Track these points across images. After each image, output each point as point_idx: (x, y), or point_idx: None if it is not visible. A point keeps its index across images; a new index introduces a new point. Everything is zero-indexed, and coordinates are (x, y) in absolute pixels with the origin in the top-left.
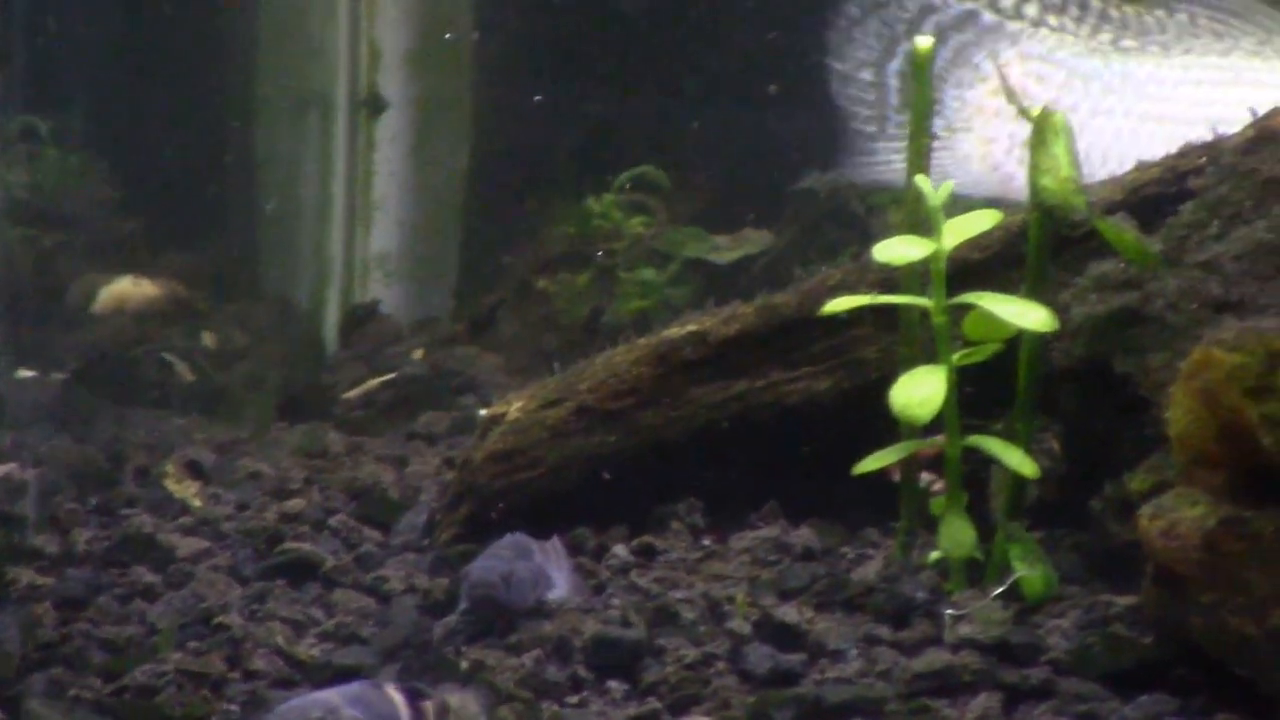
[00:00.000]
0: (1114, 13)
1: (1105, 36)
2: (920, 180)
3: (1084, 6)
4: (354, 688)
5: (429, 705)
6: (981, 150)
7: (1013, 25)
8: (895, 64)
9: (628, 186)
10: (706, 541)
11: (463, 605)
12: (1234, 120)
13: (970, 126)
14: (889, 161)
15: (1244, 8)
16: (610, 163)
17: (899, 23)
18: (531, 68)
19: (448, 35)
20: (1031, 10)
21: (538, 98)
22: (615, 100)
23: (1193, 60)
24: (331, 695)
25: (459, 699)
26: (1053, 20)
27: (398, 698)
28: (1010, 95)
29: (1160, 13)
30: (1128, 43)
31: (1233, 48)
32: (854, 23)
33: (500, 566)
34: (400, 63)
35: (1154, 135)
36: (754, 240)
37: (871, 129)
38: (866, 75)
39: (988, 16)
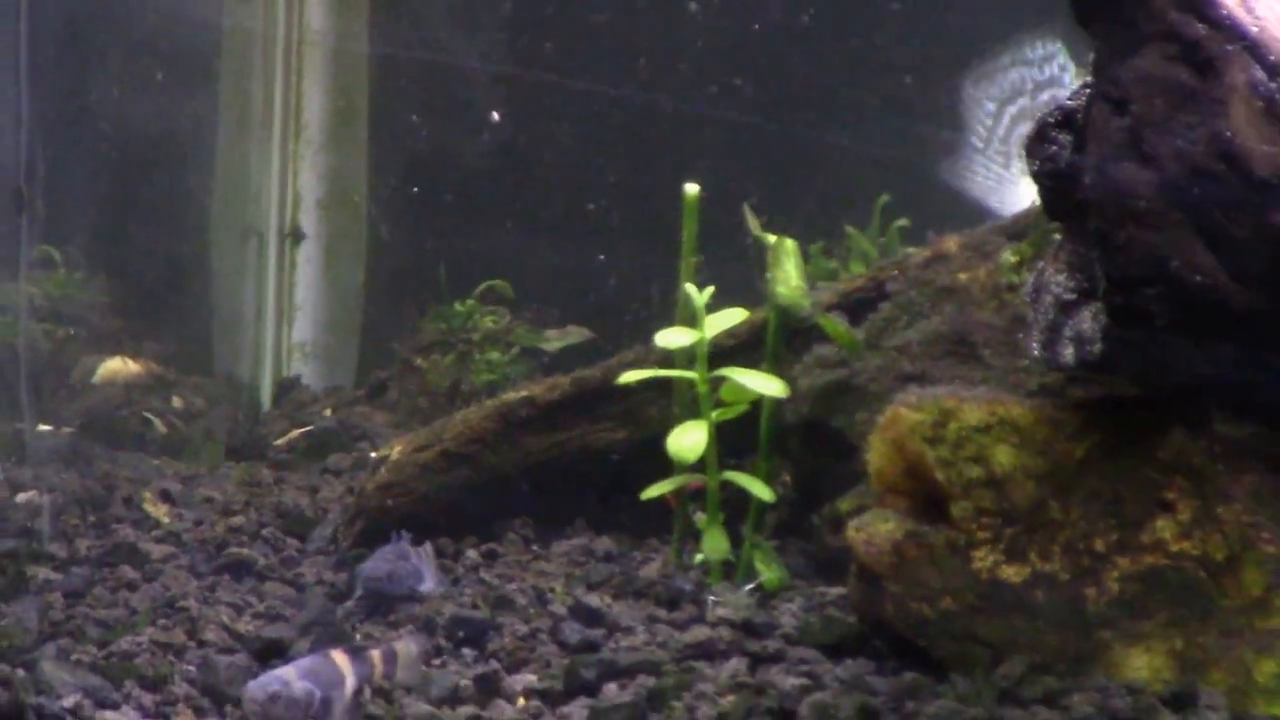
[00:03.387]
0: None
1: None
2: (689, 288)
3: None
4: (305, 661)
5: (375, 654)
6: None
7: None
8: (1013, 108)
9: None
10: (534, 548)
11: (358, 593)
12: None
13: None
14: (977, 174)
15: None
16: (472, 279)
17: (1030, 81)
18: (410, 212)
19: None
20: None
21: (495, 117)
22: (473, 235)
23: None
24: (287, 670)
25: (403, 645)
26: None
27: (343, 660)
28: (753, 226)
29: None
30: None
31: None
32: (1001, 67)
33: (385, 566)
34: (315, 206)
35: None
36: (575, 334)
37: (979, 145)
38: (991, 107)
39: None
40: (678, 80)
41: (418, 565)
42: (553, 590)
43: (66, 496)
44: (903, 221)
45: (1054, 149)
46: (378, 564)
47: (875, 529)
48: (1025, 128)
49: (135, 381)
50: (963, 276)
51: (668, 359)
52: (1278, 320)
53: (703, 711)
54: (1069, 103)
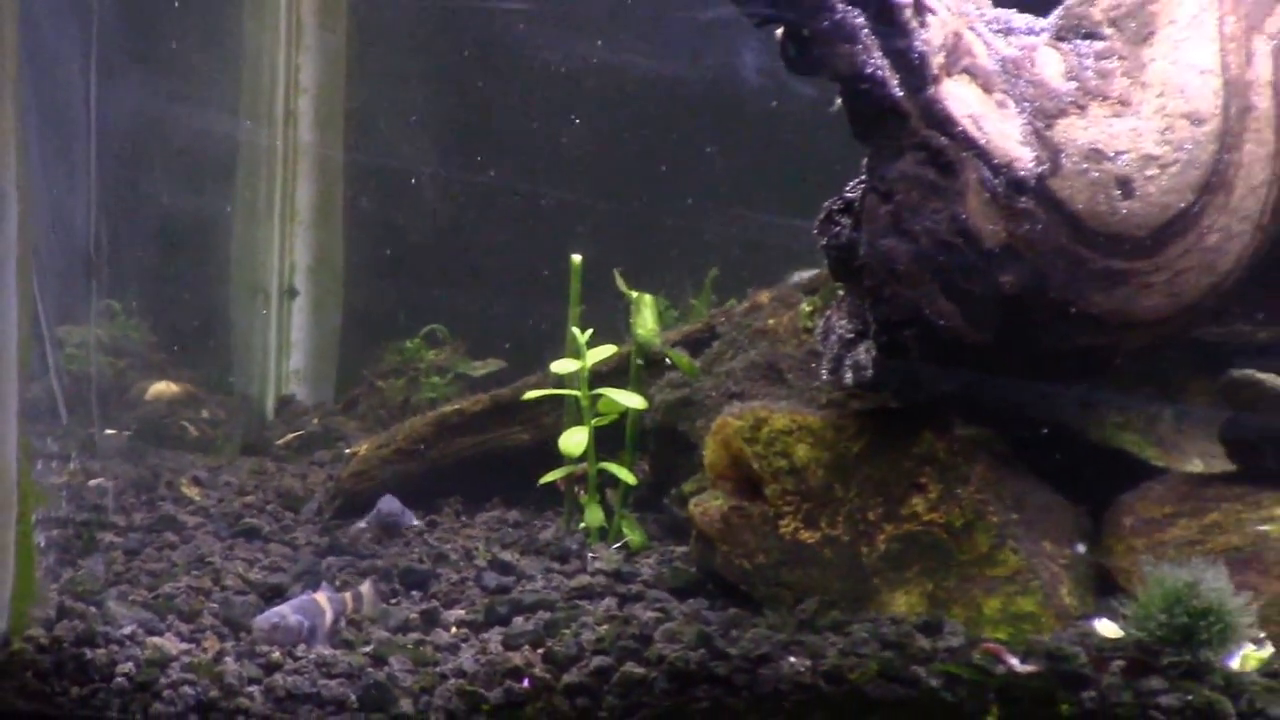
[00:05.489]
0: None
1: None
2: (575, 330)
3: None
4: (297, 600)
5: (347, 596)
6: None
7: None
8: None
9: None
10: (463, 518)
11: (371, 519)
12: None
13: None
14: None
15: None
16: (420, 324)
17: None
18: (375, 275)
19: None
20: None
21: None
22: (421, 292)
23: None
24: (284, 607)
25: (367, 588)
26: None
27: (324, 600)
28: (621, 285)
29: None
30: None
31: None
32: None
33: (394, 505)
34: (305, 271)
35: None
36: (493, 364)
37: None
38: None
39: None
40: (570, 178)
41: (407, 510)
42: (477, 549)
43: (125, 482)
44: (714, 271)
45: (838, 228)
46: (390, 504)
47: (709, 504)
48: None
49: (175, 399)
50: (772, 321)
51: (560, 381)
52: (999, 353)
53: (585, 637)
54: (848, 194)
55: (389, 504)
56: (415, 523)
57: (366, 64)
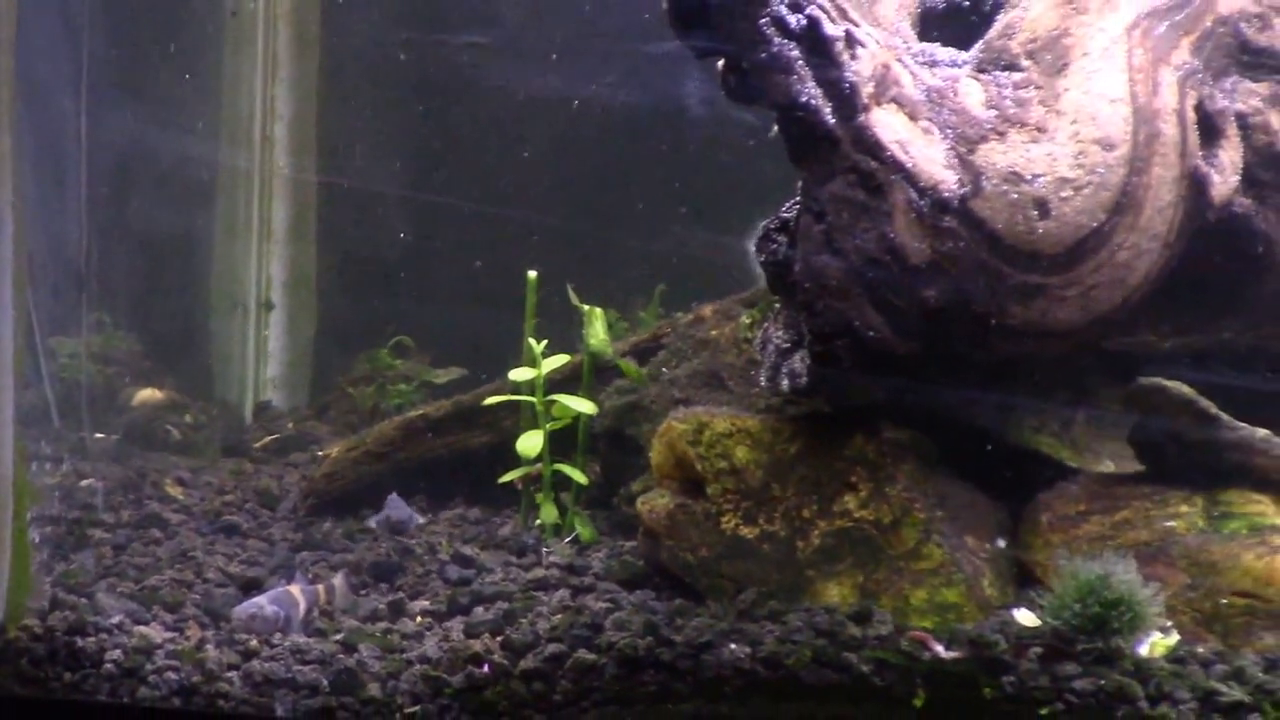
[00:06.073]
0: None
1: None
2: (531, 341)
3: None
4: (273, 592)
5: (320, 588)
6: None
7: None
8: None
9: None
10: (428, 515)
11: (380, 521)
12: None
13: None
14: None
15: None
16: (388, 334)
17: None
18: (345, 289)
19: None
20: None
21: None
22: (388, 305)
23: None
24: (261, 599)
25: (339, 581)
26: None
27: (298, 591)
28: (574, 299)
29: None
30: None
31: None
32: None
33: (404, 508)
34: (280, 286)
35: None
36: (455, 371)
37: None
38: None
39: None
40: (527, 199)
41: (414, 513)
42: (440, 544)
43: (113, 482)
44: (662, 286)
45: (775, 246)
46: (398, 507)
47: (656, 502)
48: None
49: (160, 405)
50: (715, 332)
51: (517, 388)
52: (925, 361)
53: (541, 626)
54: (784, 214)
55: (397, 507)
56: (421, 520)
57: (337, 94)
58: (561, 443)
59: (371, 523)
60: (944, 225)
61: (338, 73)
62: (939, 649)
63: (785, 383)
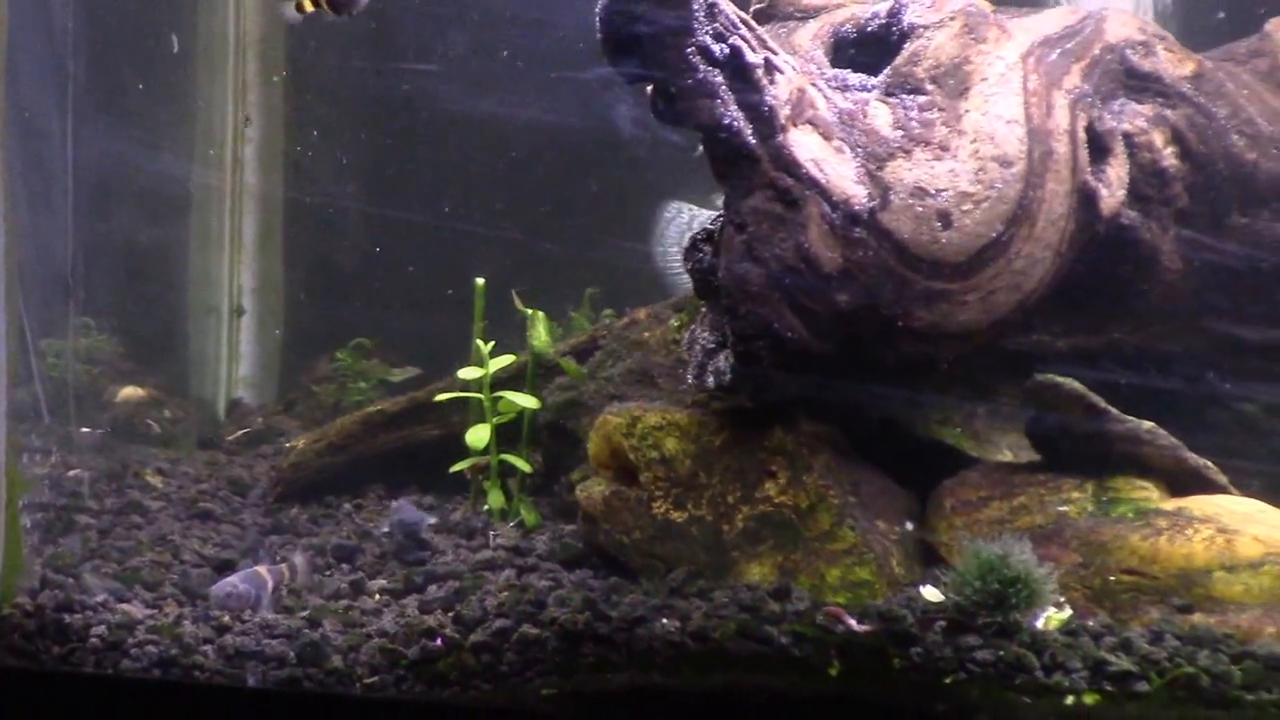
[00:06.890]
0: None
1: None
2: (479, 342)
3: None
4: (243, 572)
5: (284, 567)
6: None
7: None
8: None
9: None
10: (385, 502)
11: (394, 527)
12: None
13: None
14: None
15: None
16: (349, 336)
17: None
18: (309, 295)
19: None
20: None
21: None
22: (349, 309)
23: None
24: (234, 578)
25: (302, 561)
26: None
27: (266, 571)
28: (519, 304)
29: None
30: None
31: None
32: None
33: (415, 513)
34: (250, 293)
35: None
36: (410, 370)
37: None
38: (672, 232)
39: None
40: (475, 212)
41: (425, 517)
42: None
43: (98, 472)
44: (591, 290)
45: (701, 255)
46: (409, 512)
47: (593, 490)
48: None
49: (141, 401)
50: (647, 334)
51: (467, 385)
52: (839, 360)
53: (489, 602)
54: (710, 227)
55: (409, 513)
56: (433, 521)
57: (302, 116)
58: (508, 435)
59: (385, 527)
60: (855, 236)
61: (303, 96)
62: (852, 623)
63: (711, 380)
